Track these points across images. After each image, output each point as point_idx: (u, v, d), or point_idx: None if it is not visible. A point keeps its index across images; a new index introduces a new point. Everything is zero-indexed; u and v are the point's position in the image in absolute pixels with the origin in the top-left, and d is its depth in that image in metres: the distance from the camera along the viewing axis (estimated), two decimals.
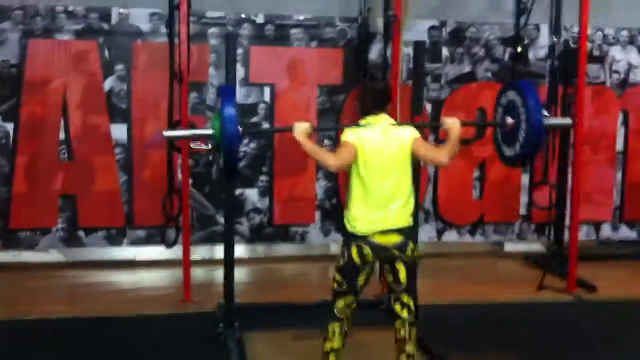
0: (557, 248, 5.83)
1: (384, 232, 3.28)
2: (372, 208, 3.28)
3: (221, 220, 5.86)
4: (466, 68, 6.17)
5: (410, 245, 3.34)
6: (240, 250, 6.07)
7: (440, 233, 6.32)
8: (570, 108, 5.38)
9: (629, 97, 6.43)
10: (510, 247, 6.50)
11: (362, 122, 3.39)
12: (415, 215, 3.44)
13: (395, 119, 4.43)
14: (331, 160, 3.24)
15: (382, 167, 3.29)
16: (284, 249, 6.20)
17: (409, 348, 3.40)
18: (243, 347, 4.03)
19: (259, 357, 3.93)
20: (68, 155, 5.70)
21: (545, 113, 3.56)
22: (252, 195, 6.00)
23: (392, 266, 3.37)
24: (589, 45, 6.20)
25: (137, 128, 5.74)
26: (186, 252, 5.00)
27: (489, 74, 6.19)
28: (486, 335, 4.42)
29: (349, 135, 3.33)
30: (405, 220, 3.33)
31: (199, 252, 5.89)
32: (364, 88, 3.48)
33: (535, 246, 6.38)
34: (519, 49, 5.88)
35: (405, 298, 3.42)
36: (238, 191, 5.92)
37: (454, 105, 6.12)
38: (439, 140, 5.10)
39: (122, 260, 5.92)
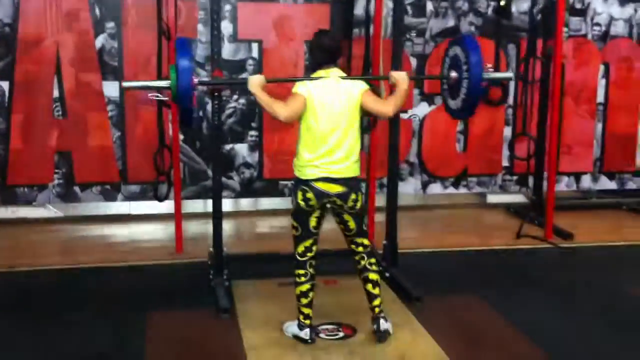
0: (536, 198, 6.02)
1: (327, 180, 3.46)
2: (317, 156, 3.46)
3: (212, 174, 6.06)
4: (450, 22, 6.24)
5: (352, 195, 3.51)
6: (231, 203, 6.30)
7: (425, 185, 6.49)
8: (550, 61, 5.49)
9: (610, 50, 6.53)
10: (493, 198, 6.70)
11: (314, 75, 3.55)
12: (359, 164, 3.59)
13: (378, 73, 4.62)
14: (281, 111, 3.41)
15: (329, 118, 3.45)
16: (272, 202, 6.39)
17: (372, 275, 3.66)
18: (231, 292, 4.26)
19: (245, 301, 4.15)
20: (62, 113, 5.82)
21: (489, 67, 3.72)
22: (242, 150, 6.15)
23: (340, 217, 3.61)
24: None
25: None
26: (178, 206, 5.20)
27: (472, 28, 6.27)
28: (461, 279, 4.67)
29: (300, 87, 3.50)
30: (350, 171, 3.51)
31: (191, 206, 6.12)
32: (315, 42, 3.58)
33: (517, 197, 6.57)
34: (502, 3, 5.96)
35: (358, 239, 3.66)
36: (228, 146, 6.11)
37: (439, 59, 6.17)
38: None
39: (117, 214, 6.14)
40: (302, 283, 3.60)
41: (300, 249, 3.61)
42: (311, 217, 3.55)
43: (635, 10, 6.49)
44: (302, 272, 3.60)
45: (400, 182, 6.38)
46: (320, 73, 3.54)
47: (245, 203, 6.42)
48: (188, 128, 4.11)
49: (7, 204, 5.93)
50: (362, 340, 3.63)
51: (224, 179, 6.11)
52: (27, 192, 5.89)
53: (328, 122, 3.46)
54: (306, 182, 3.49)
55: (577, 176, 6.73)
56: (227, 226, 5.78)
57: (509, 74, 4.58)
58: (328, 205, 3.57)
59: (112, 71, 5.83)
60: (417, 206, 6.58)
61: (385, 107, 3.52)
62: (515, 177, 6.54)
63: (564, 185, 6.69)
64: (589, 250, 5.31)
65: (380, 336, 3.58)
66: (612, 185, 6.81)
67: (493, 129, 6.43)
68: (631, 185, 6.80)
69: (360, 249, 3.68)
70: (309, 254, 3.61)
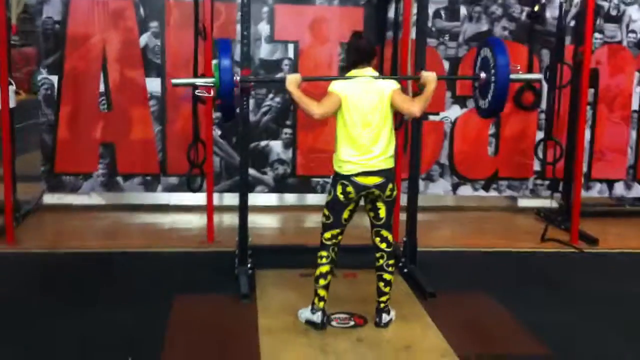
0: (565, 203, 6.04)
1: (366, 174, 3.65)
2: (355, 152, 3.65)
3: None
4: (484, 27, 6.33)
5: (389, 185, 3.70)
6: (265, 198, 6.53)
7: (455, 187, 6.58)
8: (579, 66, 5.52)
9: None
10: (523, 202, 6.73)
11: (348, 74, 3.73)
12: (395, 158, 3.78)
13: (406, 74, 4.76)
14: (315, 109, 3.61)
15: (363, 115, 3.63)
16: (305, 198, 6.59)
17: (386, 275, 3.82)
18: (253, 280, 4.47)
19: (266, 288, 4.35)
20: (107, 106, 6.14)
21: (517, 68, 3.81)
22: (276, 146, 6.37)
23: (373, 205, 3.77)
24: (606, 4, 6.33)
25: (170, 81, 6.13)
26: (210, 197, 5.45)
27: (506, 33, 6.33)
28: (479, 278, 4.74)
29: (335, 86, 3.69)
30: (385, 163, 3.68)
31: (227, 199, 6.37)
32: (350, 44, 3.77)
33: (548, 202, 6.58)
34: (536, 8, 6.03)
35: (384, 232, 3.81)
36: (263, 143, 6.33)
37: (471, 63, 6.29)
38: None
39: (156, 204, 6.44)
40: (322, 264, 3.79)
41: (327, 235, 3.80)
42: (346, 209, 3.74)
43: None
44: (325, 253, 3.80)
45: (431, 183, 6.55)
46: (354, 72, 3.73)
47: (279, 198, 6.62)
48: (230, 122, 4.34)
49: (54, 191, 6.30)
50: (371, 329, 3.79)
51: (258, 175, 6.36)
52: (72, 180, 6.23)
53: (362, 119, 3.64)
54: (347, 177, 3.67)
55: (610, 183, 6.70)
56: (262, 219, 6.09)
57: (538, 75, 4.67)
58: (365, 197, 3.74)
59: (155, 68, 6.13)
60: (447, 207, 6.68)
61: (413, 106, 3.68)
62: (546, 182, 6.55)
63: (596, 192, 6.68)
64: (613, 256, 5.32)
65: (381, 327, 3.79)
66: None
67: (525, 133, 6.46)
68: None
69: (384, 245, 3.82)
70: (334, 240, 3.81)
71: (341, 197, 3.69)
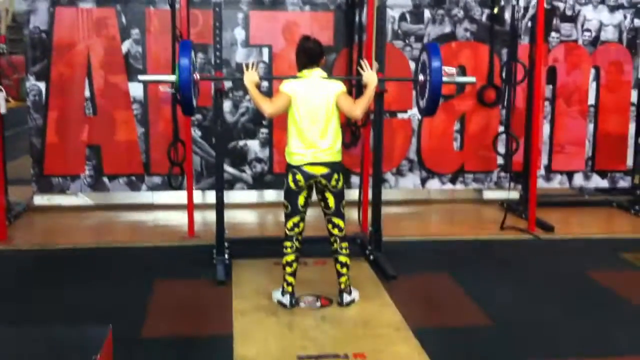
0: (524, 194, 6.42)
1: (313, 164, 4.03)
2: (303, 145, 4.03)
3: (227, 168, 6.65)
4: (447, 28, 6.71)
5: (335, 175, 4.07)
6: (244, 195, 6.89)
7: (424, 181, 6.95)
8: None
9: (600, 54, 6.90)
10: (489, 194, 7.12)
11: (298, 74, 4.10)
12: (342, 152, 4.16)
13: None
14: (266, 107, 4.02)
15: (310, 113, 4.01)
16: (282, 194, 6.91)
17: (342, 258, 4.22)
18: (230, 269, 4.84)
19: (241, 275, 4.72)
20: (93, 110, 6.46)
21: (451, 71, 4.18)
22: (254, 145, 6.72)
23: (323, 195, 4.17)
24: (562, 5, 6.74)
25: (152, 86, 6.39)
26: (190, 195, 5.79)
27: (468, 34, 6.72)
28: (439, 262, 5.14)
29: (285, 86, 4.07)
30: (332, 157, 4.06)
31: (208, 197, 6.71)
32: (299, 47, 4.11)
33: (512, 194, 6.96)
34: (496, 10, 6.43)
35: (335, 220, 4.20)
36: (241, 142, 6.69)
37: None
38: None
39: (141, 203, 6.78)
40: (287, 254, 4.18)
41: (289, 224, 4.18)
42: (299, 196, 4.11)
43: (625, 17, 6.85)
44: (289, 244, 4.18)
45: (401, 177, 6.92)
46: (304, 73, 4.09)
47: (257, 195, 6.96)
48: (190, 116, 4.71)
49: (43, 192, 6.63)
50: (334, 309, 4.16)
51: (237, 173, 6.72)
52: (61, 181, 6.56)
53: (310, 115, 4.01)
54: (296, 167, 4.04)
55: (570, 174, 7.09)
56: (241, 215, 6.45)
57: (471, 78, 5.03)
58: (313, 185, 4.11)
59: (137, 73, 6.41)
60: (416, 200, 7.06)
61: (355, 110, 4.06)
62: (509, 175, 6.93)
63: (557, 182, 7.07)
64: (565, 241, 5.72)
65: (343, 306, 4.16)
66: (604, 183, 7.15)
67: (488, 129, 6.84)
68: (622, 183, 7.13)
69: (336, 231, 4.21)
70: (296, 229, 4.18)
71: (292, 185, 4.07)
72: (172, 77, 4.31)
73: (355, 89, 5.90)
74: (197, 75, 4.32)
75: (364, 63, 4.21)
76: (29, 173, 6.54)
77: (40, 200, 6.68)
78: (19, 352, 2.45)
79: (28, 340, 2.60)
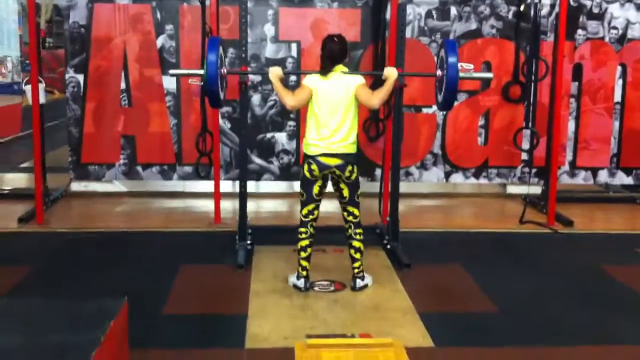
0: (545, 189, 6.48)
1: (327, 155, 4.20)
2: (321, 137, 4.21)
3: (255, 159, 6.89)
4: (473, 25, 6.80)
5: (349, 167, 4.24)
6: (271, 185, 7.11)
7: (447, 175, 7.06)
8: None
9: (627, 52, 6.90)
10: (512, 189, 7.19)
11: (321, 70, 4.27)
12: (357, 145, 4.33)
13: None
14: (288, 100, 4.21)
15: (330, 106, 4.18)
16: None
17: (355, 243, 4.40)
18: (251, 254, 5.05)
19: (261, 260, 4.94)
20: (128, 102, 6.77)
21: (468, 67, 4.30)
22: (281, 138, 6.93)
23: (338, 186, 4.36)
24: (588, 3, 6.76)
25: (184, 79, 6.69)
26: (217, 183, 6.03)
27: (494, 31, 6.80)
28: (455, 253, 5.25)
29: (307, 80, 4.27)
30: (346, 148, 4.22)
31: (236, 186, 6.92)
32: (324, 46, 4.28)
33: (536, 189, 7.02)
34: (522, 7, 6.49)
35: (350, 208, 4.38)
36: (269, 134, 6.91)
37: (462, 59, 6.66)
38: None
39: (172, 191, 7.07)
40: (302, 239, 4.38)
41: (304, 211, 4.38)
42: (314, 185, 4.30)
43: None
44: (303, 229, 4.38)
45: (425, 171, 7.05)
46: (327, 69, 4.27)
47: (284, 185, 7.16)
48: (217, 108, 4.94)
49: (80, 179, 6.96)
50: (347, 293, 4.33)
51: (265, 164, 6.94)
52: (97, 169, 6.88)
53: (329, 109, 4.19)
54: (312, 157, 4.23)
55: (594, 171, 7.11)
56: (267, 204, 6.68)
57: (489, 74, 5.13)
58: (328, 175, 4.29)
59: (170, 67, 6.69)
60: (440, 194, 7.18)
61: (371, 100, 4.22)
62: (534, 170, 6.99)
63: (581, 178, 7.10)
64: (583, 236, 5.78)
65: (356, 291, 4.34)
66: (629, 180, 7.15)
67: (513, 125, 6.89)
68: None
69: (351, 217, 4.40)
70: (310, 217, 4.38)
71: (308, 174, 4.27)
72: (201, 71, 4.53)
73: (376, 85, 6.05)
74: (224, 70, 4.54)
75: None
76: (68, 161, 6.87)
77: (77, 187, 7.02)
78: (41, 320, 2.69)
79: (50, 310, 2.84)
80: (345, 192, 4.34)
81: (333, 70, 4.24)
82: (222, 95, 4.58)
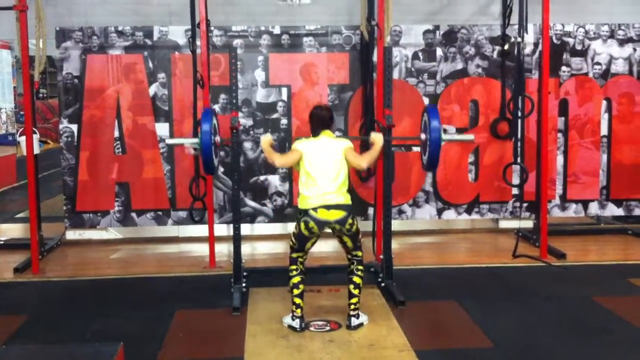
0: (537, 223, 6.54)
1: (327, 207, 4.29)
2: (313, 193, 4.33)
3: (249, 202, 6.95)
4: (459, 65, 6.95)
5: (349, 220, 4.35)
6: (265, 227, 7.15)
7: (440, 212, 7.13)
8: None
9: (611, 86, 7.05)
10: (504, 224, 7.25)
11: (312, 133, 4.52)
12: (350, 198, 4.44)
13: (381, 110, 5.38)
14: (276, 157, 4.52)
15: (322, 162, 4.37)
16: None
17: (356, 278, 4.50)
18: (246, 296, 5.07)
19: (257, 302, 4.95)
20: (122, 150, 6.85)
21: (451, 130, 4.48)
22: (274, 180, 7.00)
23: (340, 239, 4.49)
24: (571, 40, 6.94)
25: (177, 126, 6.83)
26: (211, 227, 6.07)
27: (479, 70, 6.95)
28: (449, 289, 5.28)
29: (297, 144, 4.48)
30: (343, 199, 4.36)
31: (231, 229, 6.96)
32: (312, 114, 4.56)
33: (528, 223, 7.09)
34: (506, 47, 6.65)
35: (354, 252, 4.53)
36: (262, 177, 6.98)
37: (449, 98, 6.94)
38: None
39: (167, 236, 7.10)
40: (294, 276, 4.46)
41: (294, 255, 4.51)
42: (309, 241, 4.43)
43: (635, 50, 7.01)
44: (294, 267, 4.48)
45: (417, 208, 7.12)
46: (317, 132, 4.51)
47: (277, 227, 7.21)
48: (212, 173, 5.10)
49: (75, 228, 7.00)
50: (343, 332, 4.35)
51: (259, 206, 7.00)
52: (92, 217, 6.93)
53: (321, 167, 4.37)
54: (309, 213, 4.29)
55: (585, 203, 7.19)
56: (262, 246, 6.72)
57: (470, 136, 5.44)
58: (328, 230, 4.38)
59: (163, 114, 6.84)
60: (433, 230, 7.23)
61: (359, 161, 4.46)
62: (525, 204, 7.06)
63: (572, 211, 7.18)
64: (576, 268, 5.81)
65: (351, 329, 4.38)
66: (619, 211, 7.22)
67: (502, 160, 6.99)
68: (638, 211, 7.20)
69: (355, 258, 4.55)
70: (300, 259, 4.51)
71: (305, 232, 4.37)
72: (195, 140, 4.73)
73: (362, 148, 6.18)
74: (217, 138, 4.77)
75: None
76: (63, 210, 6.91)
77: (72, 235, 7.05)
78: None
79: (49, 356, 2.86)
80: (349, 243, 4.49)
81: (322, 133, 4.46)
82: (215, 162, 4.80)
